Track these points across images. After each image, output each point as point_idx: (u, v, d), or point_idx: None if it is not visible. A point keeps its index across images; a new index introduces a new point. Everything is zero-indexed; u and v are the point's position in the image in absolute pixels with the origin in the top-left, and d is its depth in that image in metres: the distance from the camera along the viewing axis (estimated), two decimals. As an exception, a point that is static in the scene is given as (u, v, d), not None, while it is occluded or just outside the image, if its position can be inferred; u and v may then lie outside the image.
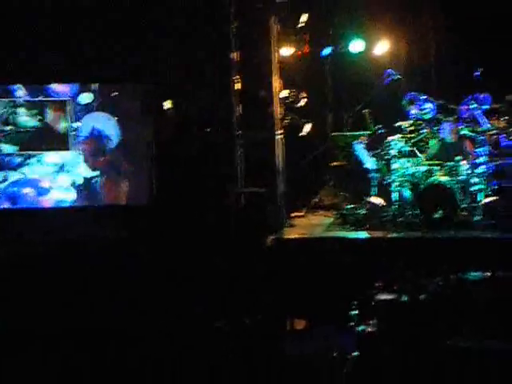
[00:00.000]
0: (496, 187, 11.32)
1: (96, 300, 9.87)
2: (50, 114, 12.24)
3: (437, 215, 11.03)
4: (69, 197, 12.26)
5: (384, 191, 11.78)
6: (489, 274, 8.89)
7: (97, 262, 10.82)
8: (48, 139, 12.23)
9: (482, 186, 11.22)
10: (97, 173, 12.21)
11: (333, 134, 14.22)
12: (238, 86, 12.09)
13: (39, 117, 12.22)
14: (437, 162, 11.49)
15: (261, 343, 8.73)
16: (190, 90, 12.34)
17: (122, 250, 11.14)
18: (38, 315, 9.55)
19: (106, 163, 12.22)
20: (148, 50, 12.03)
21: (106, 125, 12.23)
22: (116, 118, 12.19)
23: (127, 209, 12.10)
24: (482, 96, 11.88)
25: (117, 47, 12.01)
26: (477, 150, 11.40)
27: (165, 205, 11.83)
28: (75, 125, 12.24)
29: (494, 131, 11.74)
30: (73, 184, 12.26)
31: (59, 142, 12.22)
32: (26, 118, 12.22)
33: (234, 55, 12.01)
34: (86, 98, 12.25)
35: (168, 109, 12.70)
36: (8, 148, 12.26)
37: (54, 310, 9.64)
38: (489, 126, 11.78)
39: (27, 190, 12.26)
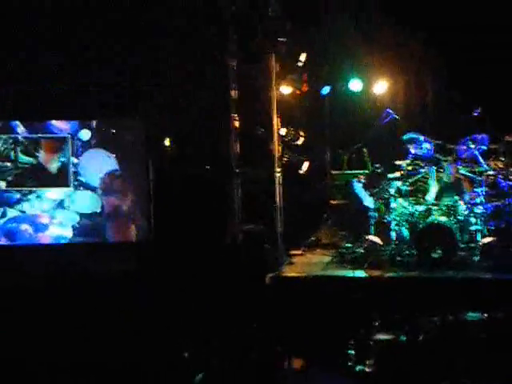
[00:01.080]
0: (493, 228, 11.37)
1: (92, 334, 9.84)
2: (48, 151, 12.26)
3: (435, 255, 11.04)
4: (67, 233, 12.25)
5: (382, 230, 11.81)
6: (486, 314, 8.88)
7: (93, 298, 10.79)
8: (47, 176, 12.25)
9: (480, 227, 11.26)
10: (96, 209, 12.20)
11: (331, 172, 14.27)
12: (237, 123, 12.16)
13: (38, 153, 12.24)
14: (435, 201, 11.54)
15: (258, 381, 8.69)
16: (189, 127, 12.39)
17: (119, 286, 11.12)
18: (45, 348, 9.50)
19: (107, 199, 12.23)
20: (146, 86, 12.12)
21: (105, 161, 12.25)
22: (114, 155, 12.21)
23: (126, 245, 12.10)
24: (479, 136, 11.95)
25: (117, 82, 12.09)
26: (475, 191, 11.46)
27: (163, 242, 11.82)
28: (75, 161, 12.26)
29: (492, 172, 11.79)
30: (71, 220, 12.25)
31: (59, 178, 12.24)
32: (25, 155, 12.25)
33: (233, 93, 12.09)
34: (84, 134, 12.28)
35: (167, 145, 12.75)
36: (6, 184, 12.28)
37: (56, 343, 9.60)
38: (486, 166, 11.84)
39: (26, 227, 12.27)
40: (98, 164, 12.26)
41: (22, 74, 12.05)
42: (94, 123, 12.31)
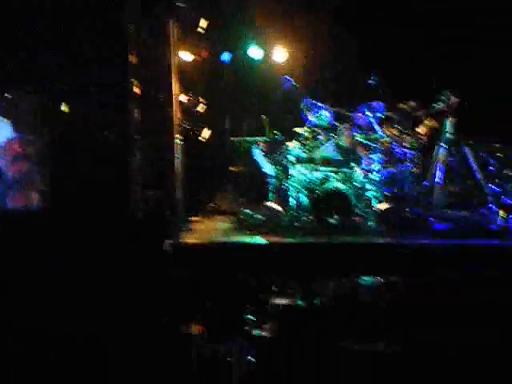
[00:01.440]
0: (388, 194, 11.65)
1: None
2: None
3: (332, 221, 11.26)
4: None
5: (281, 197, 11.96)
6: (380, 278, 9.13)
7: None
8: None
9: (376, 193, 11.52)
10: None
11: (231, 139, 14.31)
12: (136, 89, 12.04)
13: None
14: (332, 168, 11.74)
15: (155, 347, 8.74)
16: (86, 93, 12.19)
17: (15, 255, 10.95)
18: None
19: (3, 166, 11.97)
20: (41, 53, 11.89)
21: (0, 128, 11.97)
22: (9, 121, 11.93)
23: (22, 213, 11.88)
24: (375, 104, 12.17)
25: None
26: (370, 157, 11.70)
27: (61, 210, 11.66)
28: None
29: (387, 139, 12.05)
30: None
31: None
32: None
33: (132, 58, 11.95)
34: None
35: (64, 111, 12.52)
36: None
37: None
38: (382, 133, 12.09)
39: None
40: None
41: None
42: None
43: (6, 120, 11.96)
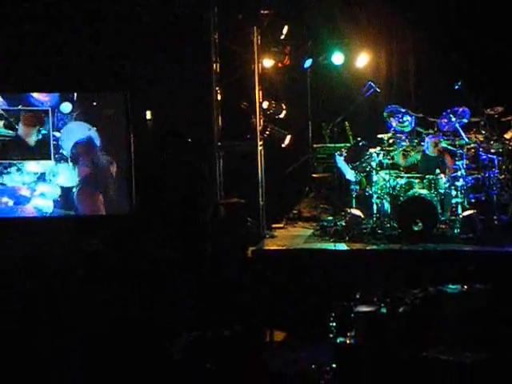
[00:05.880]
0: (474, 200, 11.42)
1: (74, 312, 9.81)
2: (28, 124, 12.17)
3: (416, 228, 11.09)
4: (48, 206, 12.20)
5: (364, 203, 11.85)
6: (466, 286, 8.94)
7: (74, 270, 10.78)
8: (28, 148, 12.18)
9: (461, 200, 11.31)
10: (77, 182, 12.16)
11: (314, 145, 14.28)
12: (219, 96, 12.14)
13: (19, 126, 12.15)
14: (416, 174, 11.58)
15: (239, 354, 8.74)
16: (170, 100, 12.34)
17: (101, 259, 11.12)
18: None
19: (87, 172, 12.18)
20: (127, 58, 12.07)
21: (86, 134, 12.18)
22: (95, 128, 12.15)
23: (106, 218, 12.06)
24: (460, 109, 11.96)
25: (97, 54, 12.08)
26: (456, 164, 11.50)
27: (145, 214, 11.82)
28: (56, 134, 12.18)
29: (473, 145, 11.83)
30: (52, 193, 12.20)
31: (40, 151, 12.18)
32: (5, 127, 12.15)
33: (215, 66, 12.06)
34: (65, 107, 12.19)
35: (149, 118, 12.71)
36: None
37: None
38: (467, 139, 11.87)
39: (5, 199, 12.21)
40: (79, 137, 12.19)
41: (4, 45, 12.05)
42: (75, 96, 12.20)
43: (91, 127, 12.17)
